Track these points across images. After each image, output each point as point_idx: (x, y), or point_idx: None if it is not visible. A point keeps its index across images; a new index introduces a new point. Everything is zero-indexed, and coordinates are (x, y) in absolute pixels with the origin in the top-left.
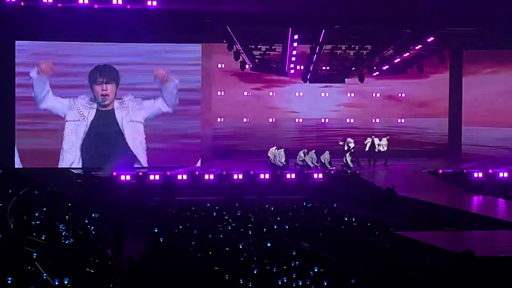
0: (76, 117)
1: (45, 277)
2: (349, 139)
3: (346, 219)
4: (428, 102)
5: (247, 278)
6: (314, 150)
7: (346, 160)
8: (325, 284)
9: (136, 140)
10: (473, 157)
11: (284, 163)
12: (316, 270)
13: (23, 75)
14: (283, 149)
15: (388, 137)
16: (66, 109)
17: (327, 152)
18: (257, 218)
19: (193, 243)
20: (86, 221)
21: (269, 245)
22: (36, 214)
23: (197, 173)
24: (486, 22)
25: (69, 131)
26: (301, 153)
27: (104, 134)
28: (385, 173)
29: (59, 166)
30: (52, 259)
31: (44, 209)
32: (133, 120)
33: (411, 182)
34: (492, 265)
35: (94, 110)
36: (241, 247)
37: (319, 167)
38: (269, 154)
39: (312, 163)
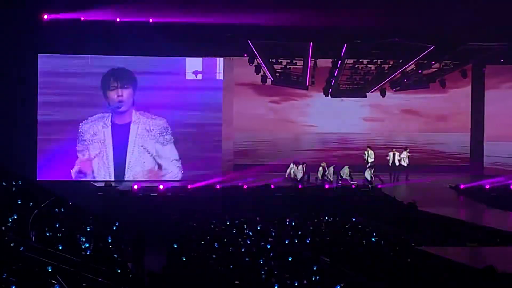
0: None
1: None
2: (370, 151)
3: (367, 233)
4: (450, 117)
5: None
6: (334, 165)
7: (366, 174)
8: None
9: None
10: (495, 172)
11: (301, 176)
12: (338, 286)
13: (45, 87)
14: (300, 165)
15: (408, 150)
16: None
17: (346, 167)
18: (278, 232)
19: (214, 256)
20: (107, 234)
21: (290, 259)
22: (57, 226)
23: (218, 187)
24: (508, 37)
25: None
26: (320, 168)
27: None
28: (407, 187)
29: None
30: (72, 271)
31: (65, 221)
32: (144, 146)
33: (433, 197)
34: None
35: (109, 129)
36: (261, 261)
37: (340, 182)
38: (289, 171)
39: (333, 177)
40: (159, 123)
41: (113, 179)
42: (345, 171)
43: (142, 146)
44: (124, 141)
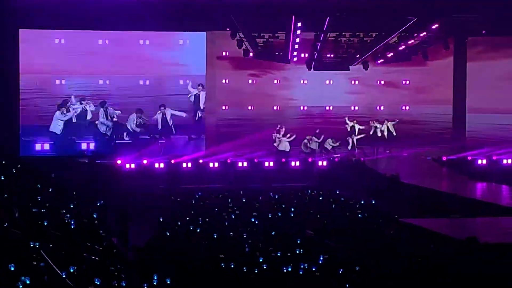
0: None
1: (49, 265)
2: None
3: (350, 206)
4: (432, 89)
5: (252, 266)
6: (317, 137)
7: (351, 141)
8: (330, 271)
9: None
10: (478, 144)
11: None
12: (321, 257)
13: (26, 64)
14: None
15: (391, 121)
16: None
17: (329, 139)
18: (262, 206)
19: (198, 230)
20: (91, 209)
21: (273, 233)
22: (41, 204)
23: (201, 161)
24: (490, 8)
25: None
26: (305, 141)
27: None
28: (389, 160)
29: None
30: (57, 247)
31: (50, 197)
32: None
33: (415, 169)
34: (496, 251)
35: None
36: (245, 235)
37: (323, 154)
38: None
39: (317, 148)
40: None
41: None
42: (329, 143)
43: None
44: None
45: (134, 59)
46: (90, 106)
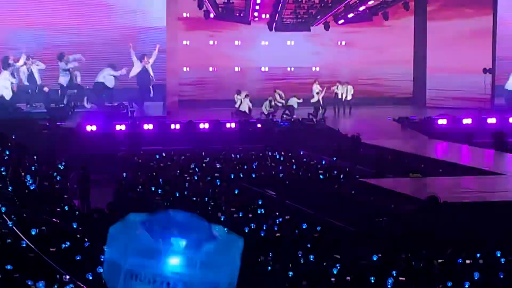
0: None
1: (11, 226)
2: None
3: (312, 167)
4: (393, 49)
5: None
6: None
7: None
8: (290, 231)
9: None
10: (438, 104)
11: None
12: (282, 218)
13: None
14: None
15: (349, 85)
16: None
17: (293, 98)
18: (223, 167)
19: (159, 191)
20: (52, 172)
21: (236, 192)
22: (2, 168)
23: (163, 123)
24: None
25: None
26: (267, 102)
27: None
28: (350, 121)
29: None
30: (18, 210)
31: (9, 160)
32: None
33: (376, 130)
34: (456, 210)
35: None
36: (207, 196)
37: (286, 115)
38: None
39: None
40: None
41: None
42: (294, 100)
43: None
44: None
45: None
46: (38, 65)
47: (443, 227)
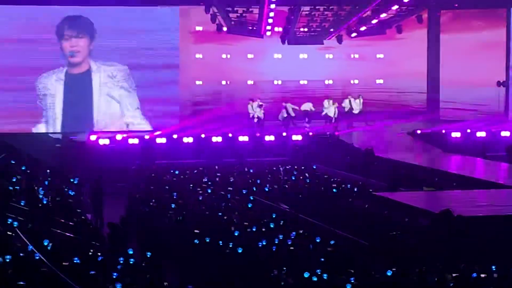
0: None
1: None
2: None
3: (325, 180)
4: (406, 62)
5: (227, 240)
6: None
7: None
8: (304, 245)
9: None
10: (452, 117)
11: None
12: (295, 232)
13: None
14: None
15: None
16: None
17: (308, 103)
18: (237, 181)
19: (173, 206)
20: (65, 186)
21: (249, 206)
22: (14, 180)
23: (175, 137)
24: None
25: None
26: (284, 110)
27: (80, 98)
28: (364, 134)
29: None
30: (31, 224)
31: (23, 174)
32: (109, 94)
33: (390, 143)
34: (470, 224)
35: (62, 83)
36: (220, 210)
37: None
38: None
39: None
40: (122, 69)
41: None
42: (309, 105)
43: (107, 94)
44: (85, 92)
45: (109, 33)
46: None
47: (457, 240)
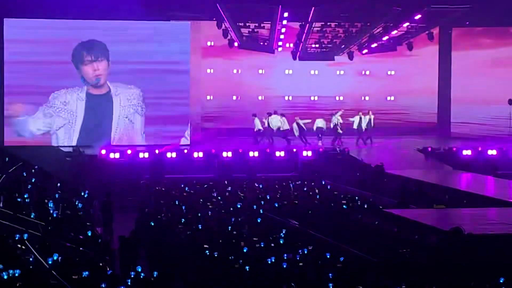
0: (66, 117)
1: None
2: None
3: (335, 197)
4: (417, 80)
5: (236, 256)
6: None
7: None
8: (314, 261)
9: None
10: (462, 135)
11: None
12: (305, 248)
13: (12, 53)
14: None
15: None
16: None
17: (320, 119)
18: (246, 196)
19: (182, 220)
20: (76, 199)
21: (259, 220)
22: (26, 194)
23: (186, 151)
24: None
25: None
26: (294, 125)
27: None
28: (374, 150)
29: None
30: (41, 236)
31: (34, 187)
32: (128, 117)
33: (400, 160)
34: (481, 242)
35: (83, 102)
36: (231, 225)
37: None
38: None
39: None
40: (136, 92)
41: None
42: (321, 122)
43: (126, 117)
44: (106, 114)
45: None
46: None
47: (467, 259)
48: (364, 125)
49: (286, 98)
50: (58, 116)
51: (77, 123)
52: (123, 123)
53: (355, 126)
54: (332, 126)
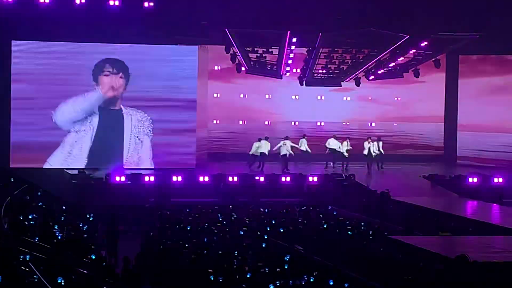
0: (80, 127)
1: (37, 278)
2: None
3: (340, 223)
4: (423, 107)
5: (240, 281)
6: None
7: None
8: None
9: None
10: (468, 162)
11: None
12: (309, 274)
13: (19, 74)
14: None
15: (380, 141)
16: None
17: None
18: (252, 221)
19: (187, 245)
20: (80, 222)
21: (264, 245)
22: (31, 216)
23: (192, 175)
24: (480, 27)
25: (73, 142)
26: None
27: (111, 137)
28: (380, 177)
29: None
30: (46, 259)
31: (39, 209)
32: (140, 139)
33: (406, 187)
34: (486, 270)
35: (97, 118)
36: (235, 250)
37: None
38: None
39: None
40: (145, 116)
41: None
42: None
43: (137, 137)
44: (117, 131)
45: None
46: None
47: (473, 286)
48: (374, 151)
49: (293, 123)
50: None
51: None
52: (134, 142)
53: (365, 152)
54: (376, 151)
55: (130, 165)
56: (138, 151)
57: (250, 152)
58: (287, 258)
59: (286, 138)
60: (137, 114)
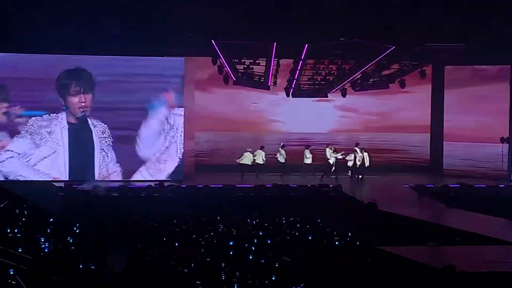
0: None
1: None
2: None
3: (327, 233)
4: (410, 117)
5: None
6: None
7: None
8: None
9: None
10: (455, 172)
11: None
12: (297, 285)
13: None
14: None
15: (366, 152)
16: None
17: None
18: (239, 232)
19: (175, 257)
20: (67, 235)
21: (251, 257)
22: (16, 230)
23: (178, 187)
24: (467, 38)
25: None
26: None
27: (85, 147)
28: (367, 187)
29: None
30: (33, 272)
31: (25, 222)
32: (105, 150)
33: (392, 197)
34: (473, 280)
35: (67, 129)
36: (222, 262)
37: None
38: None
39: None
40: (104, 126)
41: (69, 179)
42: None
43: (102, 149)
44: (86, 144)
45: (113, 83)
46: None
47: None
48: (365, 162)
49: (279, 133)
50: (44, 145)
51: (65, 153)
52: (102, 156)
53: (349, 164)
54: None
55: (102, 178)
56: (107, 166)
57: (244, 162)
58: (274, 269)
59: (262, 147)
60: (99, 126)
